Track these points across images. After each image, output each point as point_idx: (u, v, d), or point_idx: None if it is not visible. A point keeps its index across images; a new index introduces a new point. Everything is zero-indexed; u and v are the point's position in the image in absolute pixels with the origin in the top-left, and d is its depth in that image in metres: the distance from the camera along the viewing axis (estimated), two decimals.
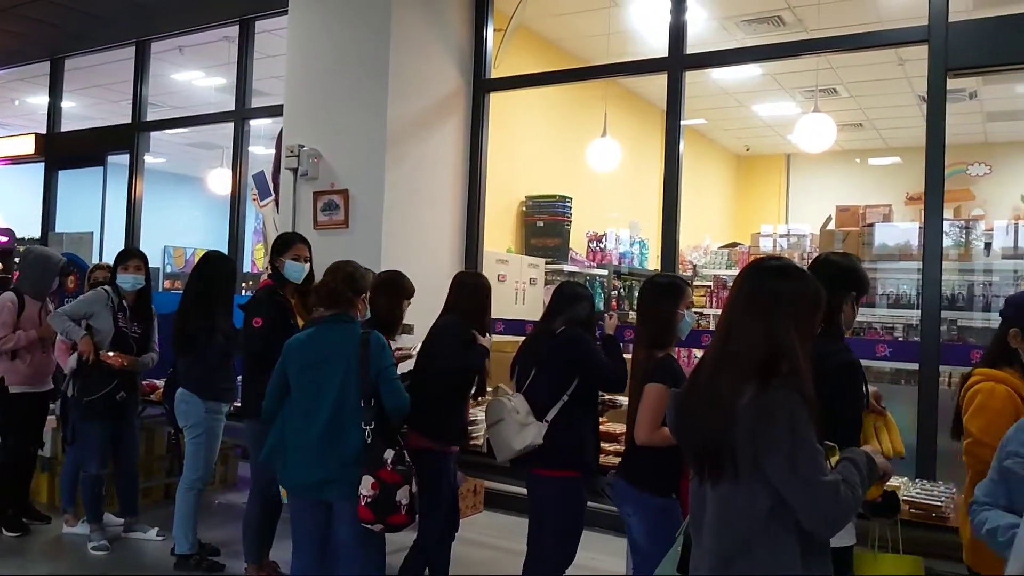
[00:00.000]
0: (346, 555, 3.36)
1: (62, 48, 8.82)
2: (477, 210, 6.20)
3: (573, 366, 3.53)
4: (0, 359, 4.90)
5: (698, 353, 4.39)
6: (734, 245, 9.17)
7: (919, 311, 4.64)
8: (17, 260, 5.35)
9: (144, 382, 5.28)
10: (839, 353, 2.59)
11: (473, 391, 3.93)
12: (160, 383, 5.09)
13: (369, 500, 3.17)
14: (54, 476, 5.54)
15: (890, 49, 5.87)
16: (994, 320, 5.92)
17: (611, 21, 6.92)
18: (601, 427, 3.94)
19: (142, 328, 4.83)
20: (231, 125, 7.46)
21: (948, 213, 5.03)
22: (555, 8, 6.97)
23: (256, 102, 7.43)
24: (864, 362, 2.78)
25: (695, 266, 8.88)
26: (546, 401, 3.53)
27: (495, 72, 6.29)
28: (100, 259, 8.03)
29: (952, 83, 4.59)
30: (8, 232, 8.62)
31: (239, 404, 4.51)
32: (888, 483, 2.48)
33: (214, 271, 4.59)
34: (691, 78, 5.56)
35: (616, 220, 8.50)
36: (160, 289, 12.22)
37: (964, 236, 6.19)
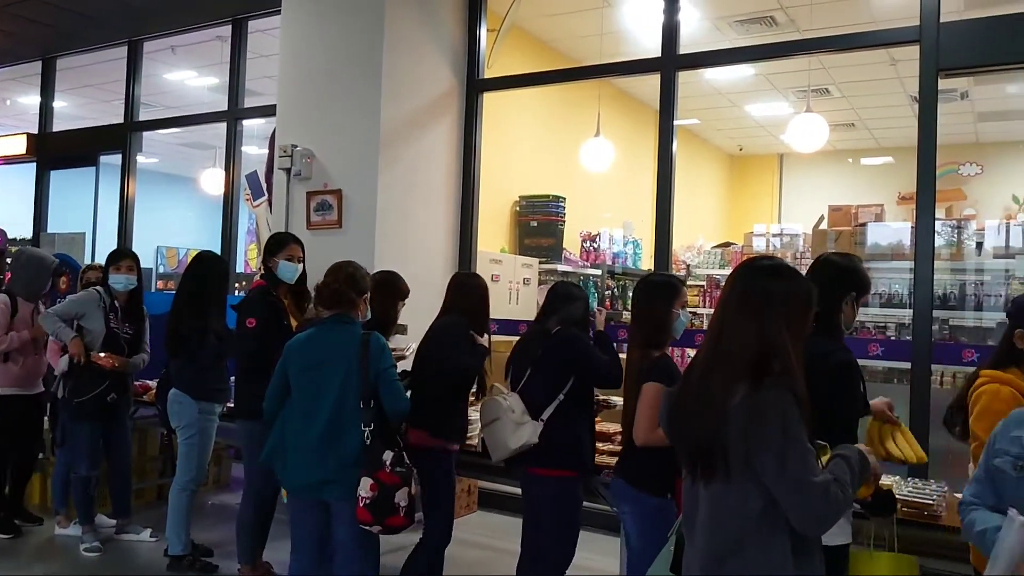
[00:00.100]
0: (344, 556, 3.36)
1: (54, 48, 8.79)
2: (471, 210, 6.20)
3: (569, 365, 3.53)
4: None
5: (692, 352, 4.40)
6: (727, 245, 9.18)
7: (911, 310, 4.66)
8: (9, 261, 5.33)
9: (137, 383, 5.27)
10: (837, 353, 2.60)
11: (473, 391, 3.93)
12: (153, 384, 5.08)
13: (368, 501, 3.17)
14: (46, 477, 5.52)
15: (882, 49, 5.90)
16: (986, 319, 5.97)
17: (604, 21, 6.93)
18: (596, 427, 3.95)
19: (134, 329, 4.82)
20: (224, 125, 7.44)
21: (940, 213, 5.07)
22: (548, 8, 6.97)
23: (249, 102, 7.41)
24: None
25: (688, 266, 8.88)
26: (542, 401, 3.53)
27: (488, 72, 6.29)
28: (92, 259, 7.99)
29: (943, 83, 4.61)
30: None
31: (232, 405, 4.50)
32: (882, 483, 2.49)
33: (207, 271, 4.58)
34: (684, 78, 5.58)
35: (610, 220, 8.51)
36: (153, 290, 12.22)
37: (956, 236, 6.22)
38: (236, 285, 7.77)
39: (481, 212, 6.29)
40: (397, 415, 3.35)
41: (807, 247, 7.94)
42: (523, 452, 3.50)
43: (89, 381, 4.61)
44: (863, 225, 6.77)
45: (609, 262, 8.12)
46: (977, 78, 7.31)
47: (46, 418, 5.18)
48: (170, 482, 4.63)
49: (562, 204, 7.43)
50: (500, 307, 6.15)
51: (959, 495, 2.32)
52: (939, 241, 5.56)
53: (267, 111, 6.67)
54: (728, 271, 8.33)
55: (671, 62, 5.43)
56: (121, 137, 8.28)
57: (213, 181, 8.08)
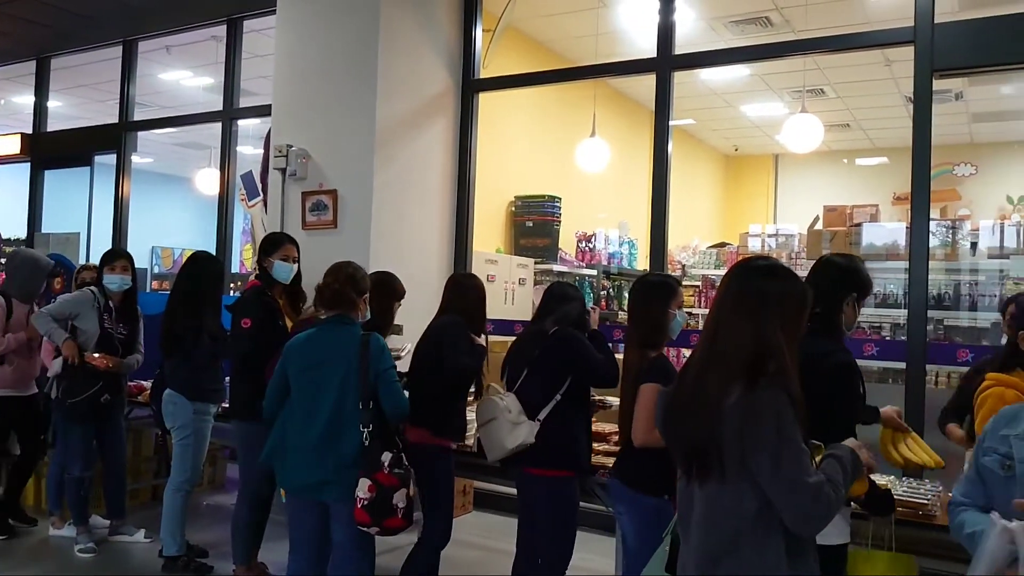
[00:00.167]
0: (341, 556, 3.36)
1: (48, 47, 8.75)
2: (466, 210, 6.19)
3: (567, 366, 3.53)
4: None
5: (688, 353, 4.41)
6: (722, 245, 9.20)
7: (906, 310, 4.67)
8: (3, 262, 5.32)
9: (131, 383, 5.25)
10: (836, 353, 2.61)
11: (470, 391, 3.93)
12: (147, 384, 5.07)
13: (366, 503, 3.16)
14: (40, 479, 5.51)
15: (877, 50, 5.90)
16: (980, 319, 5.99)
17: (600, 22, 6.93)
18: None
19: (128, 329, 4.80)
20: (219, 125, 7.42)
21: (934, 213, 5.07)
22: (544, 9, 6.97)
23: (244, 102, 7.40)
24: None
25: (684, 266, 8.90)
26: (539, 401, 3.52)
27: (484, 72, 6.29)
28: (87, 260, 7.98)
29: (938, 84, 4.62)
30: None
31: (227, 405, 4.49)
32: (879, 483, 2.49)
33: (202, 271, 4.57)
34: (679, 78, 5.58)
35: (605, 220, 8.52)
36: (148, 290, 12.18)
37: (950, 236, 6.24)
38: (231, 285, 7.75)
39: (477, 212, 6.28)
40: (396, 416, 3.35)
41: (802, 247, 7.96)
42: (519, 452, 3.50)
43: (83, 382, 4.59)
44: (858, 225, 6.79)
45: (605, 262, 8.13)
46: (971, 79, 7.33)
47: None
48: (165, 483, 4.62)
49: (558, 204, 7.43)
50: (496, 307, 6.13)
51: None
52: (934, 241, 5.57)
53: (262, 111, 6.66)
54: (723, 271, 8.35)
55: (667, 62, 5.43)
56: (116, 137, 8.25)
57: (208, 181, 8.08)
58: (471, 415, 3.95)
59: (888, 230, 6.61)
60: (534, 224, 7.39)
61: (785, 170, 11.70)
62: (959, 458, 3.41)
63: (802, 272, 2.50)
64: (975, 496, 2.12)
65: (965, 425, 3.49)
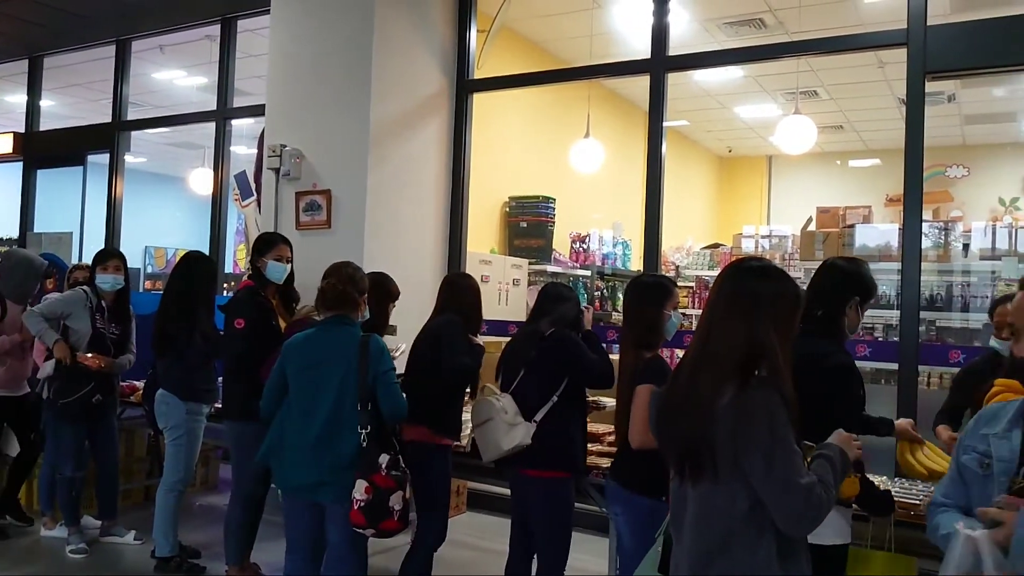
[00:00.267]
0: (336, 557, 3.35)
1: (41, 46, 8.72)
2: (460, 211, 6.19)
3: (563, 367, 3.53)
4: None
5: (681, 353, 4.42)
6: (716, 246, 9.21)
7: (898, 311, 4.68)
8: None
9: (123, 383, 5.24)
10: (835, 355, 2.62)
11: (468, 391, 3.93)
12: (140, 384, 5.05)
13: (362, 504, 3.16)
14: (32, 479, 5.48)
15: (870, 52, 5.93)
16: (972, 320, 6.01)
17: (594, 23, 6.94)
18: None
19: (120, 329, 4.79)
20: (212, 125, 7.41)
21: (927, 215, 5.11)
22: (538, 9, 6.98)
23: (238, 102, 7.38)
24: None
25: (677, 267, 8.91)
26: (535, 402, 3.52)
27: (478, 73, 6.29)
28: (80, 259, 7.95)
29: (931, 86, 4.64)
30: None
31: (220, 405, 4.48)
32: (876, 484, 2.50)
33: (195, 271, 4.56)
34: (673, 80, 5.59)
35: (599, 221, 8.52)
36: (140, 290, 12.16)
37: (943, 237, 6.26)
38: (224, 285, 7.74)
39: (471, 213, 6.29)
40: (394, 418, 3.34)
41: (796, 248, 7.97)
42: (515, 453, 3.50)
43: (75, 382, 4.57)
44: (851, 227, 6.81)
45: (599, 263, 8.14)
46: (964, 81, 7.37)
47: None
48: (157, 483, 4.60)
49: (552, 205, 7.43)
50: (490, 308, 6.13)
51: None
52: (926, 243, 5.60)
53: (256, 111, 6.65)
54: (717, 272, 8.37)
55: (660, 63, 5.44)
56: (109, 136, 8.23)
57: (202, 181, 8.05)
58: (466, 415, 3.95)
59: (881, 231, 6.62)
60: (528, 225, 7.39)
61: (778, 171, 11.74)
62: None
63: (795, 273, 2.51)
64: (956, 496, 2.08)
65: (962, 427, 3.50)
